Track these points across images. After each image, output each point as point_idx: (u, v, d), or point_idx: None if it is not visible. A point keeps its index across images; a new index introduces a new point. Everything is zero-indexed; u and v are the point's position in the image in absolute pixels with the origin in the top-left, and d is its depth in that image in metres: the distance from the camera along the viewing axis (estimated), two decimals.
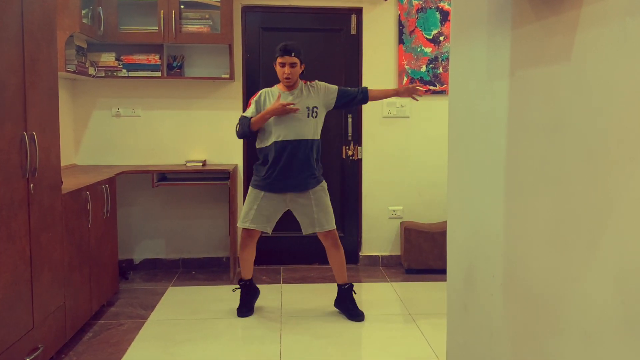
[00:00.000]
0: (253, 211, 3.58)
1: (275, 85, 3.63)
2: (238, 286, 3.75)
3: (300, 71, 3.54)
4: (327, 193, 3.63)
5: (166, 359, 3.06)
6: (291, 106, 3.44)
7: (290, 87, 3.56)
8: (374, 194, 4.81)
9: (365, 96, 3.70)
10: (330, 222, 3.59)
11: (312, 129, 3.53)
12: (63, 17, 3.69)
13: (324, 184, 3.62)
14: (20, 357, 2.50)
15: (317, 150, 3.59)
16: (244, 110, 4.65)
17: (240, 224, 3.64)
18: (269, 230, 3.65)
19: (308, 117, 3.52)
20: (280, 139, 3.48)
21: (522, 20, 1.57)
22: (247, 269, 3.70)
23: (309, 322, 3.57)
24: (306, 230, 3.62)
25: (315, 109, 3.54)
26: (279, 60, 3.51)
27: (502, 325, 1.73)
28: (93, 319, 3.52)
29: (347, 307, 3.65)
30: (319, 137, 3.60)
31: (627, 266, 1.13)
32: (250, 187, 3.65)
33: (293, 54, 3.49)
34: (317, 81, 3.65)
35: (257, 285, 3.83)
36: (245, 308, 3.68)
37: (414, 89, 3.68)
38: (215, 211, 4.72)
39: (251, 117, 3.52)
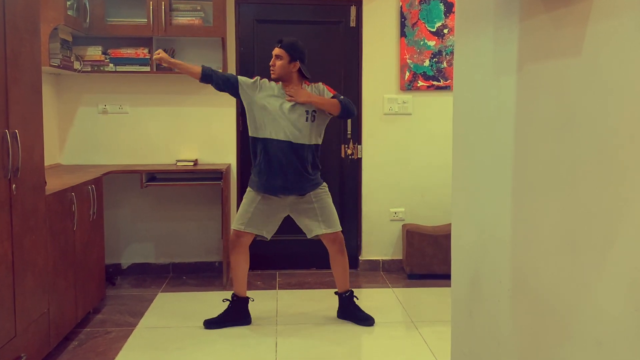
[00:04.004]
0: (249, 214, 3.56)
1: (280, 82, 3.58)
2: (229, 299, 3.64)
3: (290, 68, 3.47)
4: (329, 194, 3.63)
5: None
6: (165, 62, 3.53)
7: (286, 84, 3.50)
8: (375, 195, 4.81)
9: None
10: (336, 224, 3.59)
11: (308, 134, 3.49)
12: (47, 8, 3.68)
13: (325, 185, 3.62)
14: None
15: (314, 155, 3.55)
16: (238, 107, 4.66)
17: (234, 226, 3.62)
18: (266, 235, 3.61)
19: (306, 120, 3.49)
20: (272, 137, 3.47)
21: (530, 11, 1.57)
22: (239, 281, 3.61)
23: (305, 330, 3.56)
24: (310, 233, 3.60)
25: (314, 113, 3.50)
26: None
27: (510, 333, 1.73)
28: (78, 327, 3.51)
29: (353, 314, 3.67)
30: (318, 142, 3.56)
31: None
32: (248, 187, 3.63)
33: (279, 45, 3.49)
34: (321, 83, 3.60)
35: (252, 291, 3.81)
36: (216, 323, 3.57)
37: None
38: (207, 213, 4.71)
39: (236, 79, 3.57)
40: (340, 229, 3.62)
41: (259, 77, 3.61)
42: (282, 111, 3.48)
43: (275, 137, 3.47)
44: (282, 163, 3.47)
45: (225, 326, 3.57)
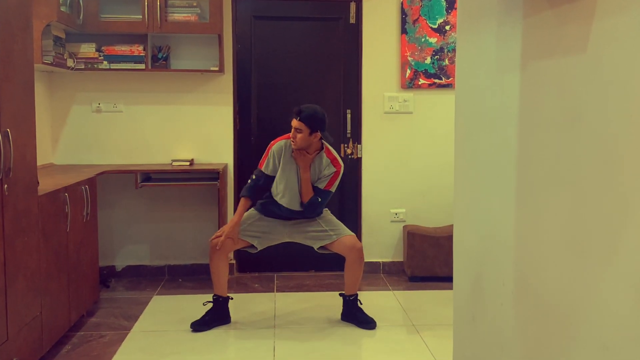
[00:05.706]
0: (245, 224, 3.62)
1: None
2: (210, 301, 3.65)
3: (311, 139, 3.47)
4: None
5: None
6: None
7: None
8: (375, 195, 4.81)
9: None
10: (346, 229, 3.65)
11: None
12: (39, 4, 3.68)
13: (326, 209, 3.73)
14: None
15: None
16: (235, 107, 4.67)
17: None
18: (257, 245, 3.65)
19: None
20: (286, 206, 3.58)
21: (534, 8, 1.57)
22: (218, 284, 3.62)
23: (304, 334, 3.56)
24: (321, 242, 3.62)
25: None
26: None
27: (513, 336, 1.73)
28: (72, 331, 3.51)
29: (355, 316, 3.68)
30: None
31: None
32: (252, 208, 3.71)
33: (298, 117, 3.44)
34: (336, 168, 3.59)
35: (250, 293, 3.81)
36: (204, 324, 3.58)
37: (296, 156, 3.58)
38: (203, 214, 4.71)
39: (264, 174, 3.57)
40: (352, 233, 3.66)
41: (273, 152, 3.57)
42: (296, 182, 3.56)
43: (287, 207, 3.57)
44: (289, 214, 3.62)
45: (212, 327, 3.59)
